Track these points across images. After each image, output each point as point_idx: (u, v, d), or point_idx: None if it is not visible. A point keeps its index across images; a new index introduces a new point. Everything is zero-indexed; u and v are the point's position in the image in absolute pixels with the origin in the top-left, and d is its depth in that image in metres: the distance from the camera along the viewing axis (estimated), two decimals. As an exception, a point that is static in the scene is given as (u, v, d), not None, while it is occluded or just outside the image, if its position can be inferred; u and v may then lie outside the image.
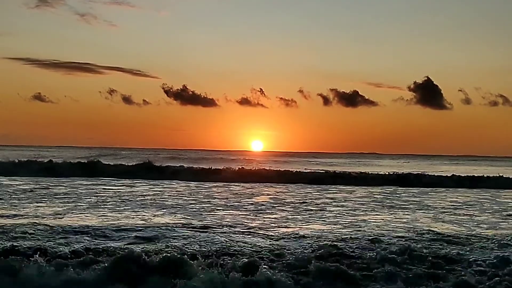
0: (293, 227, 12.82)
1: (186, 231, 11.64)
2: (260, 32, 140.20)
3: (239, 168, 33.53)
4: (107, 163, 35.70)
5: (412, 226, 13.34)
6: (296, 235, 11.46)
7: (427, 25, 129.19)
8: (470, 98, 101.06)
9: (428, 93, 79.56)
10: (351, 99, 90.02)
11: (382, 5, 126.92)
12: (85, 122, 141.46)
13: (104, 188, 22.43)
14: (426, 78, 79.38)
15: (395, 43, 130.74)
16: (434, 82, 78.53)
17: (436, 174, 34.20)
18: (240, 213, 15.45)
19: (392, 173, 33.75)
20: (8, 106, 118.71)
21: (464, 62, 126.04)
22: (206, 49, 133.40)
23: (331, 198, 20.84)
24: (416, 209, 17.64)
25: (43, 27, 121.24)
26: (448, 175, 34.20)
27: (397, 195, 23.22)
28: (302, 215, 15.37)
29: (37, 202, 16.52)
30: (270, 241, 10.67)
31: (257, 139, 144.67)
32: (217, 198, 19.64)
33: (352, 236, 11.39)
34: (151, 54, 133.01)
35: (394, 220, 14.68)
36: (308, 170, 35.78)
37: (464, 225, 14.00)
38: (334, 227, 12.93)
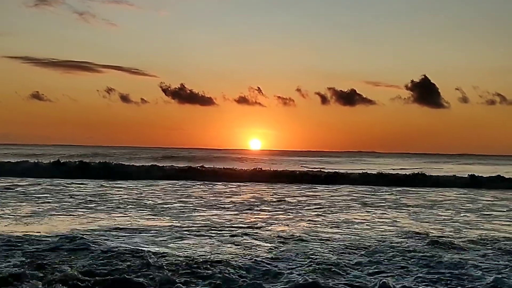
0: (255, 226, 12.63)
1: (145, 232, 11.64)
2: (257, 31, 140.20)
3: (224, 167, 33.41)
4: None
5: (395, 227, 13.27)
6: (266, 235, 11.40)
7: (425, 25, 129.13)
8: (468, 97, 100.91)
9: (425, 92, 79.77)
10: (349, 98, 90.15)
11: (380, 5, 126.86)
12: (83, 121, 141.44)
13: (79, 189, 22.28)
14: (423, 77, 79.45)
15: (394, 42, 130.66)
16: (431, 81, 78.68)
17: (425, 173, 34.04)
18: (214, 213, 15.25)
19: (380, 172, 33.50)
20: (6, 105, 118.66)
21: (462, 62, 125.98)
22: (204, 48, 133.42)
23: (311, 197, 20.72)
24: (395, 209, 17.54)
25: (41, 26, 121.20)
26: (433, 174, 34.29)
27: (380, 194, 23.12)
28: (279, 214, 15.14)
29: (10, 202, 16.22)
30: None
31: (255, 138, 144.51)
32: (193, 198, 19.50)
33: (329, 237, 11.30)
34: (150, 53, 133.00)
35: (375, 220, 14.54)
36: (298, 170, 35.72)
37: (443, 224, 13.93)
38: (310, 226, 12.79)
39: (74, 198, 18.34)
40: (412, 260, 9.09)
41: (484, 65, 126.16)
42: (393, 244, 10.47)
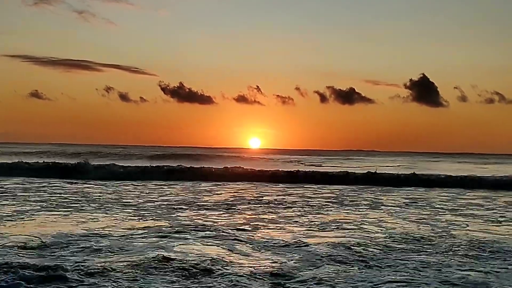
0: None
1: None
2: (257, 31, 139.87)
3: (215, 167, 33.03)
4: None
5: (382, 228, 13.10)
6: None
7: (425, 24, 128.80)
8: (466, 96, 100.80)
9: (424, 91, 79.87)
10: (348, 97, 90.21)
11: (380, 5, 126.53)
12: (82, 120, 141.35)
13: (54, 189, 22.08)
14: (422, 76, 79.33)
15: (393, 41, 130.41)
16: (430, 80, 78.62)
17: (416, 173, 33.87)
18: (198, 213, 14.97)
19: (371, 172, 33.10)
20: (5, 104, 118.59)
21: (460, 61, 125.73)
22: (203, 47, 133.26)
23: (298, 196, 20.47)
24: (384, 209, 17.34)
25: (41, 25, 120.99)
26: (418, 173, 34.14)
27: (370, 194, 22.92)
28: (263, 215, 14.93)
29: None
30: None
31: (254, 137, 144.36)
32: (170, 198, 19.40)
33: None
34: (149, 52, 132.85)
35: (362, 220, 14.33)
36: (289, 170, 35.34)
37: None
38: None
39: (54, 198, 18.22)
40: (408, 262, 8.99)
41: (483, 64, 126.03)
42: (385, 246, 10.39)
